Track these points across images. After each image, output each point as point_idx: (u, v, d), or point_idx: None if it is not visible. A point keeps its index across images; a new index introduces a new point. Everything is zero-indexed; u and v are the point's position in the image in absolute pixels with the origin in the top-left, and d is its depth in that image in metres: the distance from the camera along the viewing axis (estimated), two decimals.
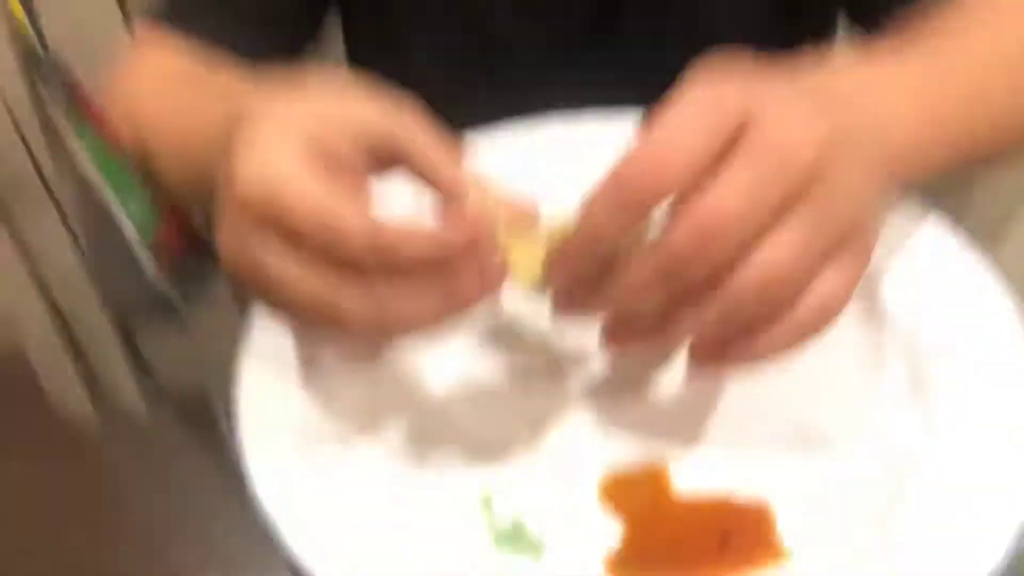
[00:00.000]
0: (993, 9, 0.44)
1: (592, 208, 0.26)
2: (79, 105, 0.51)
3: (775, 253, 0.26)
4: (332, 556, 0.29)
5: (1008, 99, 0.42)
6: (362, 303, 0.27)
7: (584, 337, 0.33)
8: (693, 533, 0.31)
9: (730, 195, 0.25)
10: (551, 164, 0.41)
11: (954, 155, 0.37)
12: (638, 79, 0.44)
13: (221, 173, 0.29)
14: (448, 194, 0.31)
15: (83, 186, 0.43)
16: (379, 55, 0.65)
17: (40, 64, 0.59)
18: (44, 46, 0.60)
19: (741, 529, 0.31)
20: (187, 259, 0.41)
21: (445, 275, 0.27)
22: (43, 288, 0.72)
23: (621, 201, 0.25)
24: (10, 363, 0.59)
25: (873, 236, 0.28)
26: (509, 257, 0.30)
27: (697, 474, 0.32)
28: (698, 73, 0.26)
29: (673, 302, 0.26)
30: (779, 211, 0.25)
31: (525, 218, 0.33)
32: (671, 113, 0.25)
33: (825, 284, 0.27)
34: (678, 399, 0.34)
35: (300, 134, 0.28)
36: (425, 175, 0.31)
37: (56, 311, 0.66)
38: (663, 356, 0.35)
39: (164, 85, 0.51)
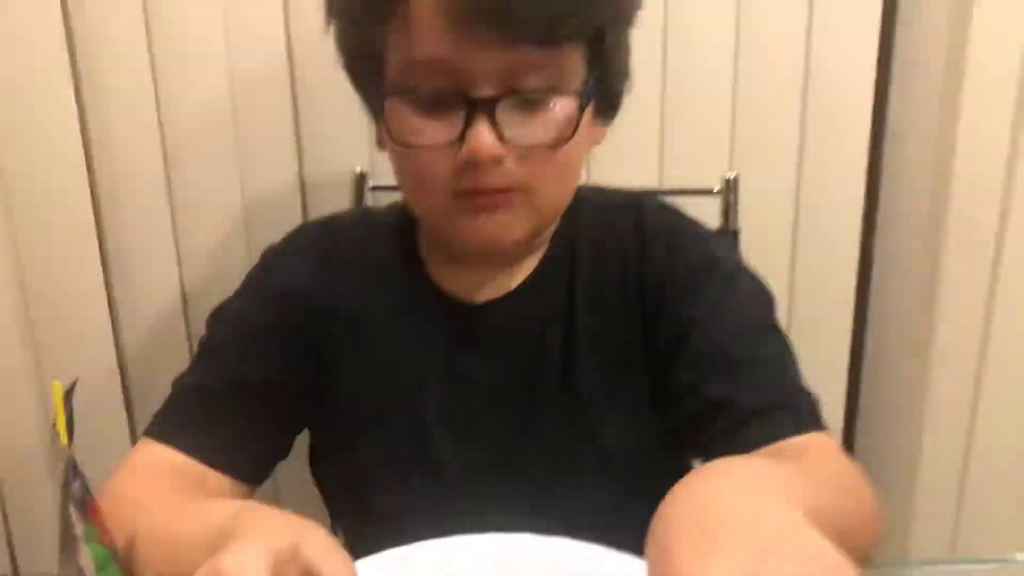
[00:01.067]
0: (820, 454, 0.60)
1: None
2: (88, 508, 0.46)
3: None
4: None
5: (846, 502, 0.52)
6: None
7: None
8: None
9: None
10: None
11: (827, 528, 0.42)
12: (543, 488, 0.69)
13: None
14: None
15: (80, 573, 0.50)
16: (335, 464, 0.78)
17: (67, 466, 0.46)
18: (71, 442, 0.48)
19: None
20: None
21: None
22: None
23: None
24: None
25: (846, 565, 0.37)
26: None
27: None
28: None
29: None
30: None
31: None
32: None
33: None
34: None
35: (267, 549, 0.43)
36: None
37: None
38: None
39: (160, 507, 0.54)
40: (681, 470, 0.71)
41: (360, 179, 1.07)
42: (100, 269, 1.10)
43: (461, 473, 0.74)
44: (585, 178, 1.07)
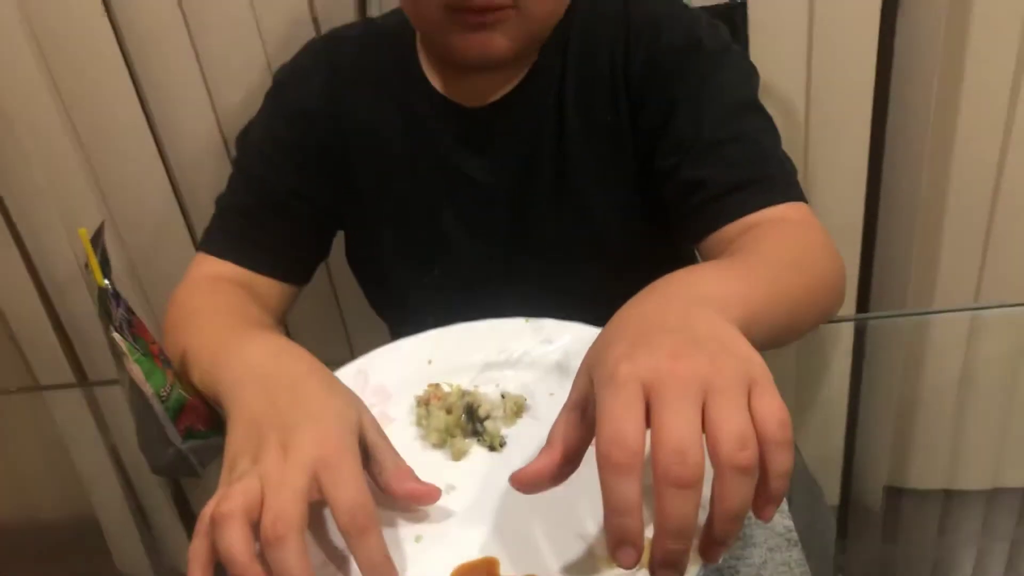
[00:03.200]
0: (778, 231, 0.63)
1: (612, 485, 0.38)
2: (134, 326, 0.56)
3: (726, 424, 0.38)
4: None
5: (794, 281, 0.56)
6: None
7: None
8: None
9: (674, 426, 0.38)
10: (475, 353, 0.65)
11: (768, 324, 0.50)
12: (546, 274, 0.77)
13: (236, 401, 0.53)
14: (389, 481, 0.51)
15: (133, 384, 0.61)
16: (366, 260, 0.85)
17: (104, 295, 0.53)
18: (109, 276, 0.54)
19: None
20: (205, 432, 0.64)
21: None
22: (116, 460, 0.52)
23: (622, 471, 0.38)
24: (82, 527, 0.57)
25: (759, 364, 0.41)
26: (425, 420, 0.57)
27: (514, 565, 0.48)
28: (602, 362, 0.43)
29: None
30: (702, 408, 0.39)
31: (440, 392, 0.60)
32: (609, 414, 0.39)
33: (763, 407, 0.39)
34: (505, 522, 0.51)
35: (348, 426, 0.50)
36: (380, 465, 0.52)
37: (127, 481, 0.56)
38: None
39: (204, 316, 0.64)
40: (672, 255, 0.76)
41: None
42: (139, 107, 1.17)
43: (472, 262, 0.82)
44: None
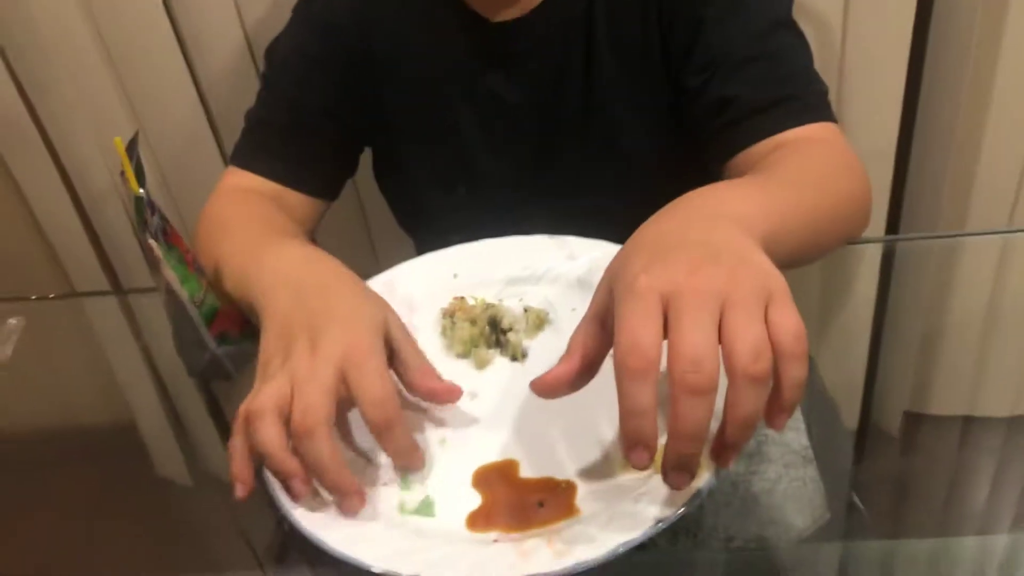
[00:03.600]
0: (804, 151, 0.64)
1: (628, 390, 0.39)
2: (168, 234, 0.57)
3: (741, 336, 0.39)
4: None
5: (817, 199, 0.57)
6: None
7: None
8: (523, 499, 0.48)
9: (691, 336, 0.39)
10: (499, 268, 0.66)
11: (789, 241, 0.51)
12: (572, 195, 0.77)
13: (268, 306, 0.54)
14: (413, 379, 0.53)
15: (169, 291, 0.63)
16: (393, 178, 0.83)
17: (140, 203, 0.54)
18: (144, 187, 0.55)
19: (554, 498, 0.47)
20: (237, 338, 0.67)
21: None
22: (152, 366, 0.54)
23: (637, 377, 0.39)
24: (121, 431, 0.60)
25: (777, 278, 0.42)
26: (449, 331, 0.59)
27: (533, 467, 0.50)
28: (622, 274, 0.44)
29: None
30: (720, 320, 0.40)
31: (464, 305, 0.62)
32: (628, 323, 0.40)
33: (779, 320, 0.40)
34: (524, 427, 0.53)
35: (375, 327, 0.52)
36: (404, 364, 0.54)
37: (163, 389, 0.58)
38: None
39: (235, 226, 0.65)
40: (703, 176, 0.78)
41: None
42: (167, 19, 1.16)
43: (497, 183, 0.84)
44: None
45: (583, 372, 0.46)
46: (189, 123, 1.24)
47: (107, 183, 1.28)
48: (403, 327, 0.55)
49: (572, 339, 0.47)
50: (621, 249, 0.48)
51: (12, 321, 0.80)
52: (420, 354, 0.55)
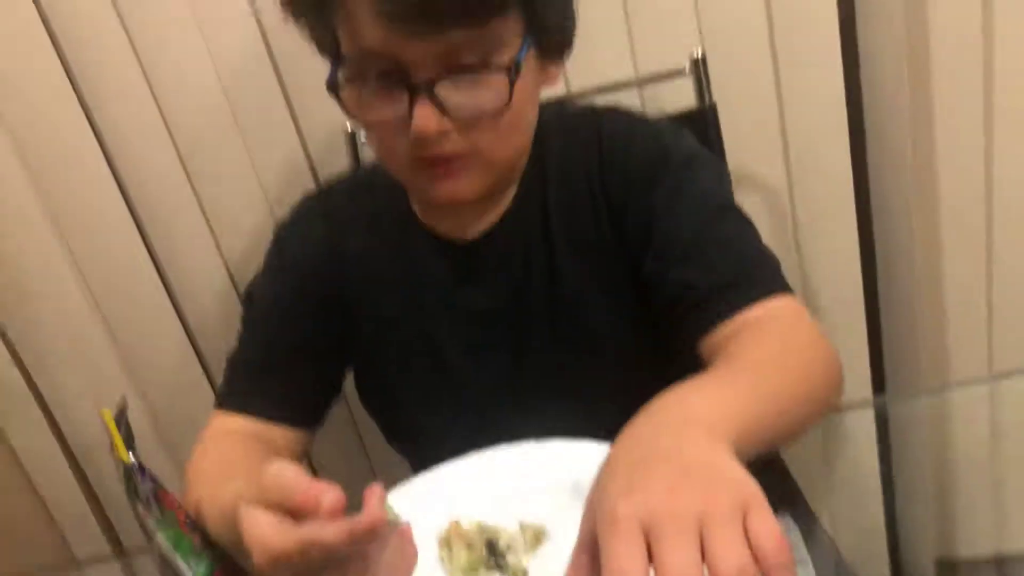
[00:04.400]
0: (763, 332, 0.65)
1: None
2: (161, 498, 0.58)
3: (724, 557, 0.39)
4: None
5: (783, 382, 0.59)
6: None
7: None
8: None
9: (675, 563, 0.40)
10: (491, 483, 0.66)
11: (761, 430, 0.52)
12: (554, 395, 0.78)
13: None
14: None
15: (163, 558, 0.62)
16: (378, 399, 0.88)
17: (130, 472, 0.57)
18: (133, 451, 0.57)
19: None
20: None
21: None
22: None
23: None
24: None
25: (750, 486, 0.43)
26: (447, 556, 0.59)
27: None
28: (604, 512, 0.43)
29: None
30: (700, 540, 0.40)
31: (460, 529, 0.61)
32: (612, 556, 0.41)
33: (759, 530, 0.41)
34: None
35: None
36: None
37: None
38: None
39: (216, 475, 0.66)
40: (673, 361, 0.79)
41: (351, 137, 1.14)
42: (155, 273, 1.22)
43: (481, 393, 0.85)
44: (563, 81, 1.12)
45: None
46: (180, 369, 1.28)
47: (102, 437, 1.28)
48: None
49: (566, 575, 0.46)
50: (600, 469, 0.49)
51: None
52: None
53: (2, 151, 1.13)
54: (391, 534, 0.55)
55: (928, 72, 1.12)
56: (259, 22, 1.11)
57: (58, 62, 1.10)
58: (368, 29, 0.66)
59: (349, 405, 1.22)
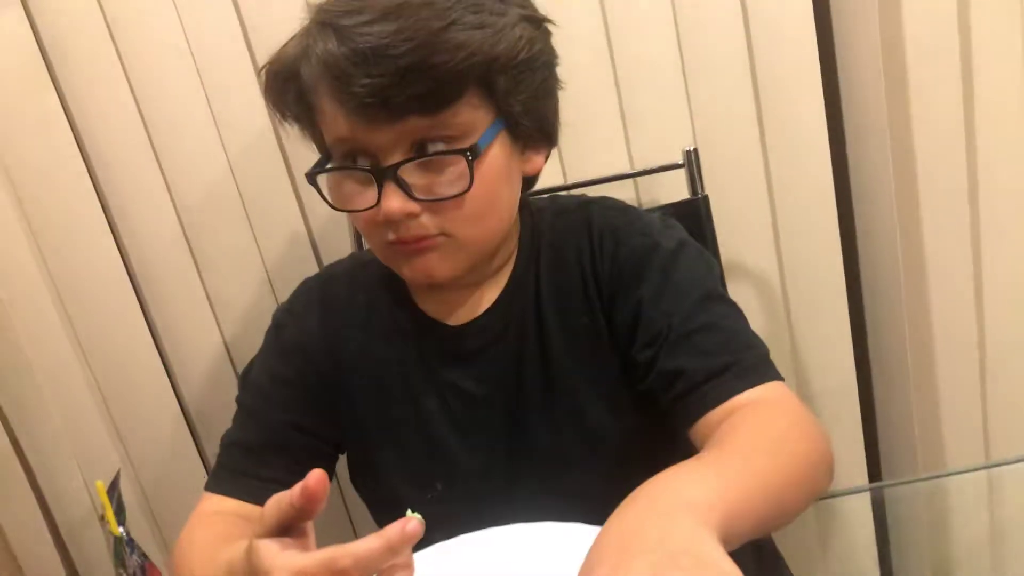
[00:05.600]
0: (753, 418, 0.66)
1: None
2: (145, 571, 0.58)
3: None
4: None
5: (772, 466, 0.59)
6: None
7: None
8: None
9: None
10: (480, 565, 0.66)
11: (749, 515, 0.53)
12: (546, 477, 0.78)
13: None
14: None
15: None
16: (369, 482, 0.88)
17: (120, 544, 0.49)
18: (123, 524, 0.49)
19: None
20: None
21: None
22: None
23: None
24: None
25: (733, 572, 0.43)
26: None
27: None
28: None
29: None
30: None
31: None
32: None
33: None
34: None
35: None
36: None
37: None
38: None
39: (207, 548, 0.66)
40: (666, 445, 0.79)
41: None
42: (153, 345, 1.23)
43: (472, 473, 0.85)
44: (561, 173, 1.16)
45: None
46: (175, 448, 1.27)
47: (88, 513, 1.27)
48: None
49: None
50: (588, 554, 0.49)
51: None
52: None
53: (5, 216, 1.14)
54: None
55: (914, 162, 1.16)
56: (270, 109, 1.15)
57: (68, 128, 1.13)
58: (335, 121, 0.72)
59: (340, 485, 1.22)
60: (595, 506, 0.60)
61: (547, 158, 0.83)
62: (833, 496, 0.70)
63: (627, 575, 0.44)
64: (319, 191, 0.77)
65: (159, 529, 1.29)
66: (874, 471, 1.31)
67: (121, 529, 0.57)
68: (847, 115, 1.21)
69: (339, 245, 1.20)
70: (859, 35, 1.16)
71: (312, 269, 1.19)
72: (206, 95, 1.15)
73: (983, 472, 1.01)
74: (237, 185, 1.19)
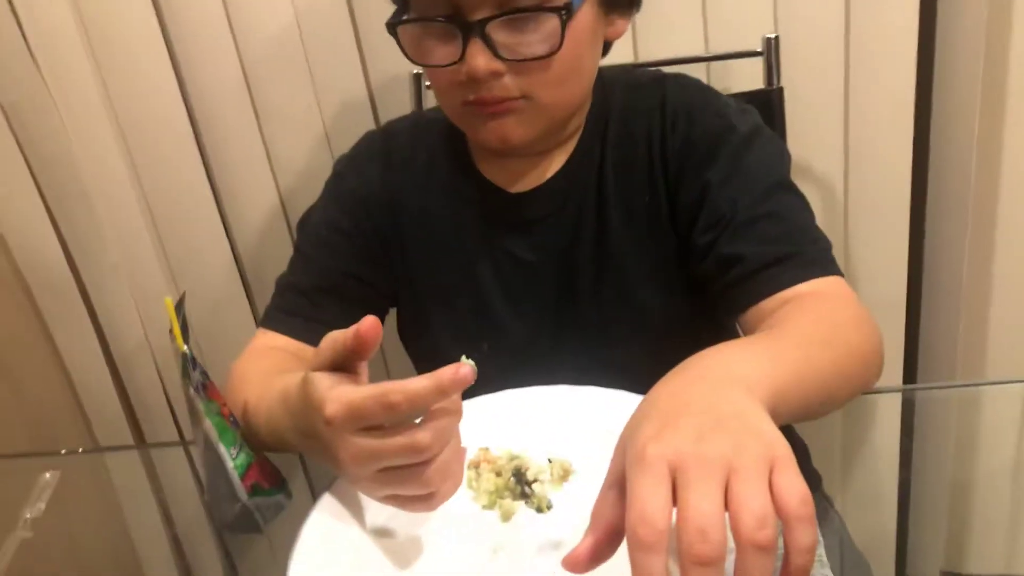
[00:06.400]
0: (810, 307, 0.66)
1: (638, 561, 0.40)
2: (208, 389, 0.61)
3: (747, 504, 0.40)
4: None
5: (823, 355, 0.59)
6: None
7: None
8: None
9: (698, 506, 0.40)
10: (523, 419, 0.68)
11: (797, 397, 0.53)
12: (591, 349, 0.79)
13: (311, 426, 0.56)
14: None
15: (207, 442, 0.65)
16: (418, 338, 0.89)
17: (185, 359, 0.59)
18: (188, 344, 0.60)
19: None
20: (268, 490, 0.69)
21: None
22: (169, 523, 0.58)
23: (647, 548, 0.40)
24: None
25: (781, 444, 0.43)
26: (475, 483, 0.60)
27: None
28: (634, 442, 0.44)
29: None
30: (725, 486, 0.41)
31: (489, 456, 0.63)
32: (638, 493, 0.41)
33: (784, 485, 0.41)
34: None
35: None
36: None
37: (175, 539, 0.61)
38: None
39: (262, 378, 0.68)
40: (716, 328, 0.78)
41: (416, 79, 1.15)
42: (209, 189, 1.25)
43: (519, 339, 0.87)
44: (632, 50, 1.13)
45: (609, 543, 0.47)
46: (224, 287, 1.31)
47: (140, 342, 1.32)
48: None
49: (594, 509, 0.48)
50: (634, 413, 0.50)
51: (47, 476, 0.81)
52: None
53: (75, 54, 1.14)
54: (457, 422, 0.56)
55: (1004, 82, 1.11)
56: None
57: None
58: None
59: (383, 347, 1.24)
60: (638, 379, 0.61)
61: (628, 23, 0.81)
62: (864, 393, 0.70)
63: (674, 434, 0.44)
64: (398, 42, 0.75)
65: (207, 366, 1.34)
66: (910, 378, 1.31)
67: (186, 346, 0.60)
68: (940, 27, 1.14)
69: (399, 107, 1.19)
70: None
71: (371, 128, 1.18)
72: None
73: (1019, 386, 1.00)
74: (302, 36, 1.17)
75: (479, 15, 0.69)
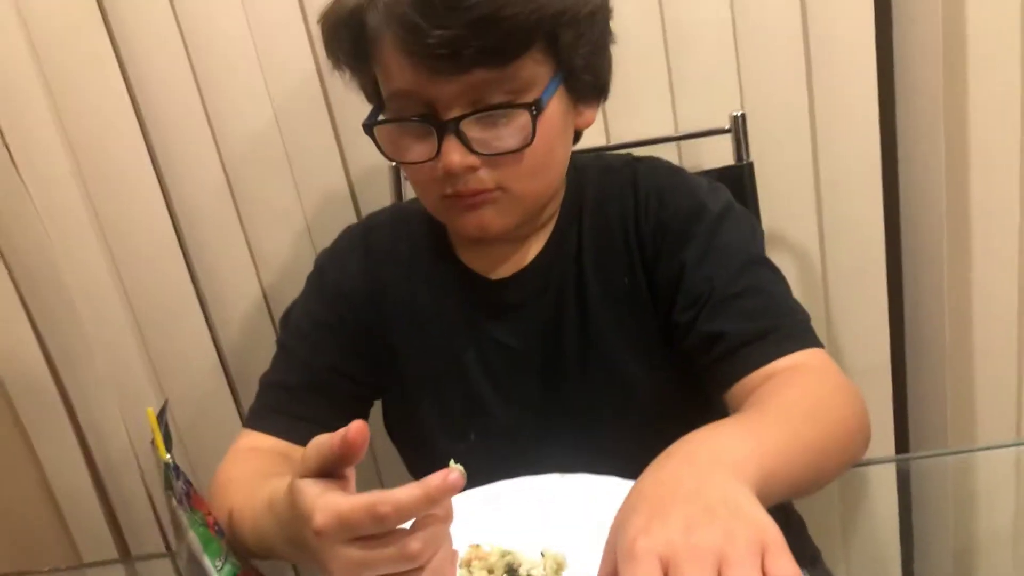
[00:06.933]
0: (794, 381, 0.66)
1: None
2: (192, 498, 0.60)
3: None
4: None
5: (810, 430, 0.59)
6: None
7: None
8: None
9: None
10: (513, 511, 0.67)
11: (785, 475, 0.53)
12: (580, 432, 0.78)
13: (299, 536, 0.54)
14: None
15: (191, 555, 0.63)
16: (404, 429, 0.89)
17: (168, 469, 0.59)
18: (171, 453, 0.59)
19: None
20: None
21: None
22: None
23: None
24: None
25: (771, 528, 0.43)
26: None
27: None
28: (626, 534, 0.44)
29: None
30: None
31: (481, 553, 0.62)
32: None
33: (776, 571, 0.41)
34: None
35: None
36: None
37: None
38: None
39: (248, 482, 0.67)
40: (700, 404, 0.78)
41: (396, 171, 1.17)
42: (193, 290, 1.26)
43: (507, 424, 0.86)
44: (604, 132, 1.15)
45: None
46: (210, 387, 1.30)
47: (125, 451, 1.30)
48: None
49: None
50: (623, 504, 0.50)
51: None
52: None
53: (56, 161, 1.16)
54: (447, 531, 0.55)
55: (965, 140, 1.14)
56: (316, 60, 1.16)
57: (118, 71, 1.15)
58: (399, 72, 0.72)
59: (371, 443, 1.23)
60: (627, 463, 0.61)
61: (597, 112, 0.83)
62: (859, 465, 0.69)
63: (664, 523, 0.44)
64: (375, 141, 0.77)
65: (193, 471, 1.32)
66: (902, 446, 1.30)
67: (169, 455, 0.59)
68: (899, 89, 1.18)
69: (379, 198, 1.21)
70: (917, 3, 1.13)
71: (352, 221, 1.19)
72: (254, 43, 1.15)
73: (1012, 450, 1.00)
74: (281, 134, 1.20)
75: (452, 113, 0.71)
